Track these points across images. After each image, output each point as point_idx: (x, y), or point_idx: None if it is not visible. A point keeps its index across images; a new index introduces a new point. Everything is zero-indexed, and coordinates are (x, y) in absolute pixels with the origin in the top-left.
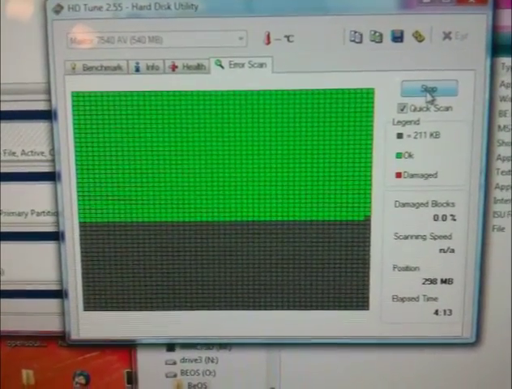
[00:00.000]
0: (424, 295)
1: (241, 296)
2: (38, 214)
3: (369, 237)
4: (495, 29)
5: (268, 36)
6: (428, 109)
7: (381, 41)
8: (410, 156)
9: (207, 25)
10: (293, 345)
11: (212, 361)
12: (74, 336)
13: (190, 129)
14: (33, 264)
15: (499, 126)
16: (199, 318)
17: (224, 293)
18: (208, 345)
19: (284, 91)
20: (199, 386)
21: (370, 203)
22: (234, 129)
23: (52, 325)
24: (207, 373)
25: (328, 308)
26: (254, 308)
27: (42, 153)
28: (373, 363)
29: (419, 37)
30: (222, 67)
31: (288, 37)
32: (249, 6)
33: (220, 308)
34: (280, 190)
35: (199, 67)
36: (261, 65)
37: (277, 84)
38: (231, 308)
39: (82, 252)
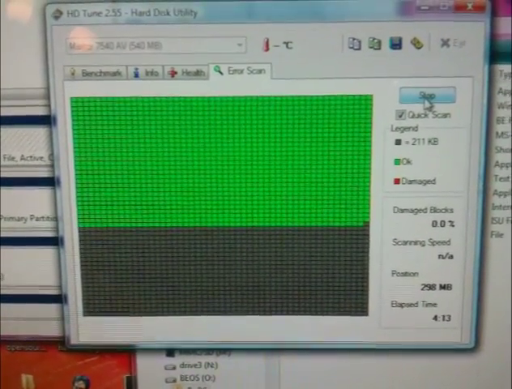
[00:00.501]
0: (423, 301)
1: (240, 301)
2: (37, 219)
3: (367, 243)
4: (493, 36)
5: (267, 43)
6: (426, 115)
7: (379, 48)
8: (408, 162)
9: (206, 31)
10: (292, 350)
11: (212, 366)
12: (73, 341)
13: (189, 134)
14: (33, 269)
15: (497, 133)
16: (199, 324)
17: (223, 299)
18: (208, 350)
19: (283, 98)
20: None
21: (369, 209)
22: (233, 134)
23: (52, 330)
24: (207, 378)
25: (327, 313)
26: (253, 313)
27: (41, 158)
28: (372, 368)
29: (417, 44)
30: (221, 73)
31: (286, 44)
32: (248, 12)
33: (220, 313)
34: (279, 195)
35: (198, 73)
36: (260, 71)
37: (276, 90)
38: (230, 313)
39: (81, 257)
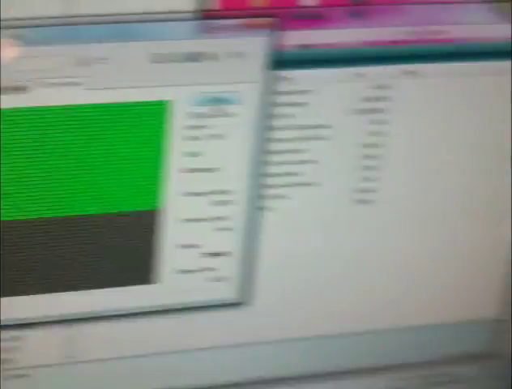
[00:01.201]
0: (205, 267)
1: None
2: None
3: (158, 223)
4: (274, 48)
5: (84, 60)
6: (215, 115)
7: (179, 61)
8: (198, 154)
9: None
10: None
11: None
12: None
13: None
14: None
15: (273, 127)
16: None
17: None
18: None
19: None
20: None
21: (160, 193)
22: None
23: None
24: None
25: (121, 285)
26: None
27: None
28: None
29: (211, 57)
30: (43, 87)
31: (100, 60)
32: (69, 34)
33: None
34: (75, 185)
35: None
36: (75, 84)
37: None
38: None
39: None
